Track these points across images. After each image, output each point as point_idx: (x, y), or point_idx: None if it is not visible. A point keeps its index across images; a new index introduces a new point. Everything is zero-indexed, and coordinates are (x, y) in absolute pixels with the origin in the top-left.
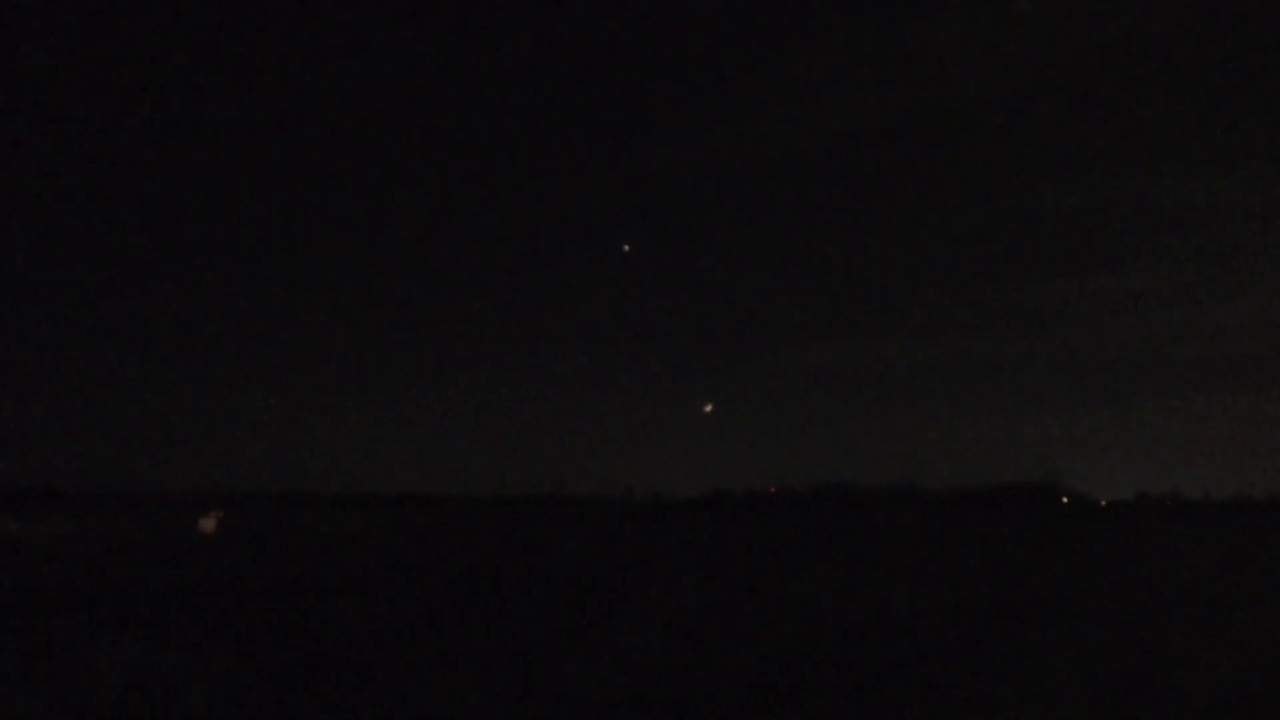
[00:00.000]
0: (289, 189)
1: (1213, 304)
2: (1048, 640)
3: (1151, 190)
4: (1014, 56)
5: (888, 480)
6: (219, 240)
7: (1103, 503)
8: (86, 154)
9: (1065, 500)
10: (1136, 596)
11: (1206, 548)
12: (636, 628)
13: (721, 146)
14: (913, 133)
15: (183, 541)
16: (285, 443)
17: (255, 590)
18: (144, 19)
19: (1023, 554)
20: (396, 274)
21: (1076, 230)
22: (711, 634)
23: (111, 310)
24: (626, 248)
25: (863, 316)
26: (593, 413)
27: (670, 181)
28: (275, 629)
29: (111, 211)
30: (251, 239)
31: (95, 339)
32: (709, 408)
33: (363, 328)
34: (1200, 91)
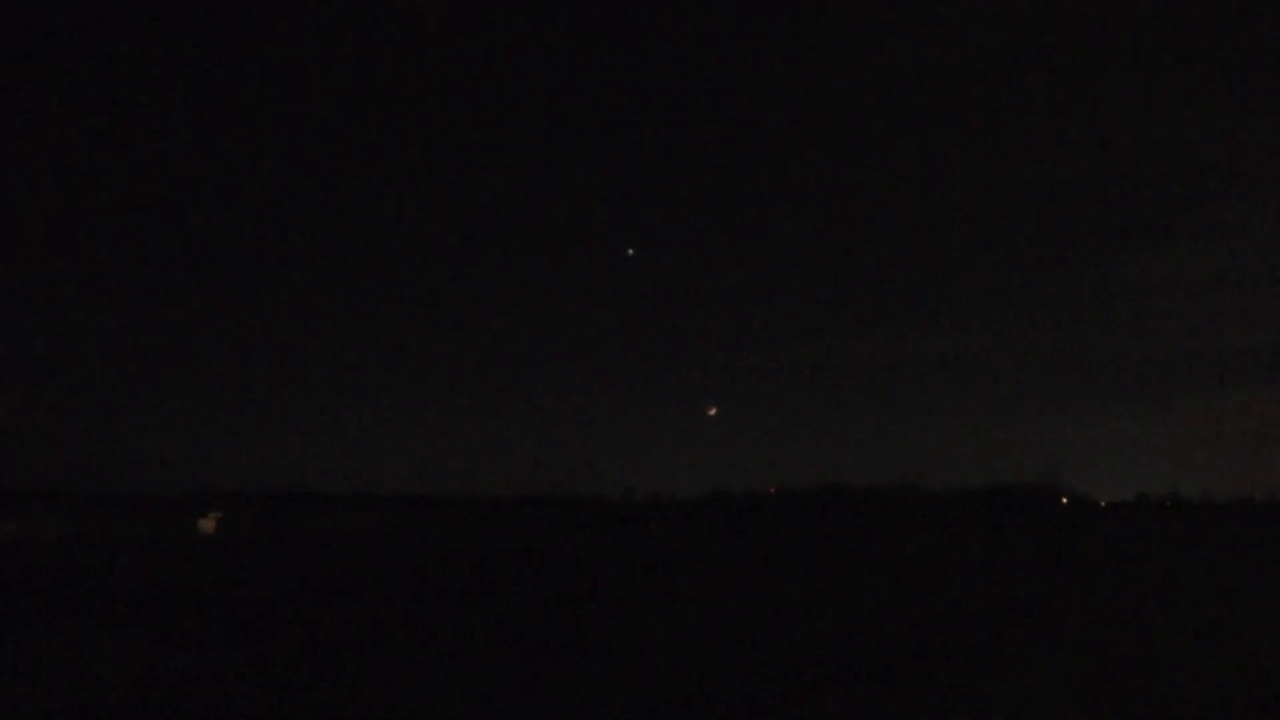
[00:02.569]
0: (290, 189)
1: (1215, 294)
2: (1047, 641)
3: (1156, 179)
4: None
5: (887, 481)
6: (220, 240)
7: (1102, 503)
8: (88, 154)
9: (1065, 501)
10: (1136, 596)
11: (1206, 548)
12: (636, 628)
13: (715, 139)
14: (904, 117)
15: (183, 541)
16: (285, 443)
17: (255, 590)
18: (143, 17)
19: (1022, 554)
20: (397, 273)
21: (1073, 218)
22: (711, 634)
23: (112, 310)
24: (631, 252)
25: (861, 317)
26: (593, 413)
27: (668, 183)
28: (275, 629)
29: (111, 211)
30: (252, 239)
31: (95, 339)
32: (713, 411)
33: (363, 328)
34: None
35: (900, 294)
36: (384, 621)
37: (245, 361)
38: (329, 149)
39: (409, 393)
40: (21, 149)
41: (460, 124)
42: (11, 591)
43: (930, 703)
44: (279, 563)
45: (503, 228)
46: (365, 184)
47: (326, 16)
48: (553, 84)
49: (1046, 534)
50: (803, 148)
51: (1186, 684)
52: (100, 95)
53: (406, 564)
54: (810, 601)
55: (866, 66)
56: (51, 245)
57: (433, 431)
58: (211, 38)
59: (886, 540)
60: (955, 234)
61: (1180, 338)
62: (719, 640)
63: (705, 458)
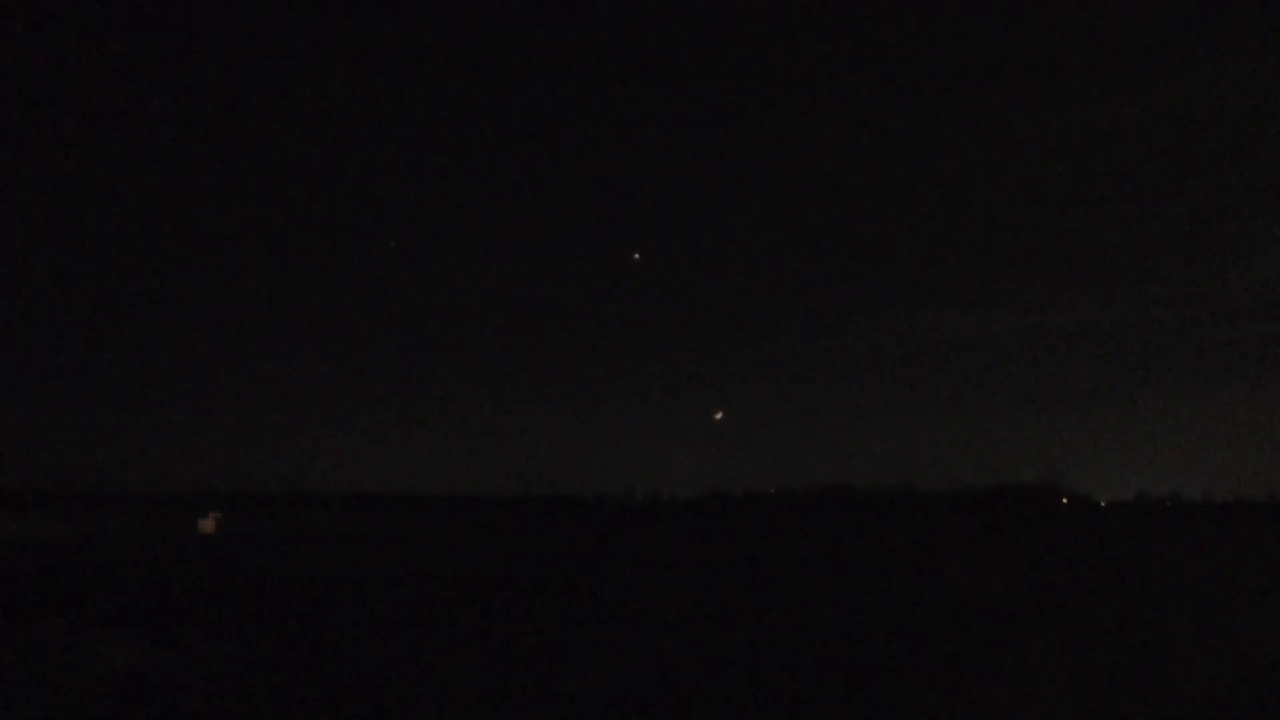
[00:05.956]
0: (288, 190)
1: (1213, 281)
2: (1047, 641)
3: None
4: None
5: (887, 481)
6: (220, 241)
7: (1102, 503)
8: (88, 154)
9: (1065, 501)
10: (1136, 596)
11: (1206, 548)
12: (636, 628)
13: (711, 136)
14: (900, 104)
15: (183, 541)
16: (285, 443)
17: (254, 590)
18: (143, 18)
19: (1022, 554)
20: (398, 274)
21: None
22: (711, 635)
23: (111, 310)
24: (637, 257)
25: (861, 312)
26: (593, 413)
27: (669, 182)
28: (274, 629)
29: (111, 211)
30: (252, 240)
31: (95, 339)
32: (719, 415)
33: (364, 328)
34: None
35: (900, 288)
36: (383, 621)
37: (245, 361)
38: (329, 149)
39: (409, 393)
40: (21, 149)
41: (465, 126)
42: (11, 591)
43: (930, 703)
44: (279, 563)
45: (505, 230)
46: (368, 185)
47: (325, 18)
48: (559, 86)
49: (1046, 534)
50: (797, 143)
51: (1187, 684)
52: (101, 93)
53: (405, 564)
54: (810, 602)
55: (868, 51)
56: (52, 245)
57: (433, 431)
58: (210, 41)
59: (886, 541)
60: (955, 228)
61: (1181, 333)
62: (718, 640)
63: (705, 458)
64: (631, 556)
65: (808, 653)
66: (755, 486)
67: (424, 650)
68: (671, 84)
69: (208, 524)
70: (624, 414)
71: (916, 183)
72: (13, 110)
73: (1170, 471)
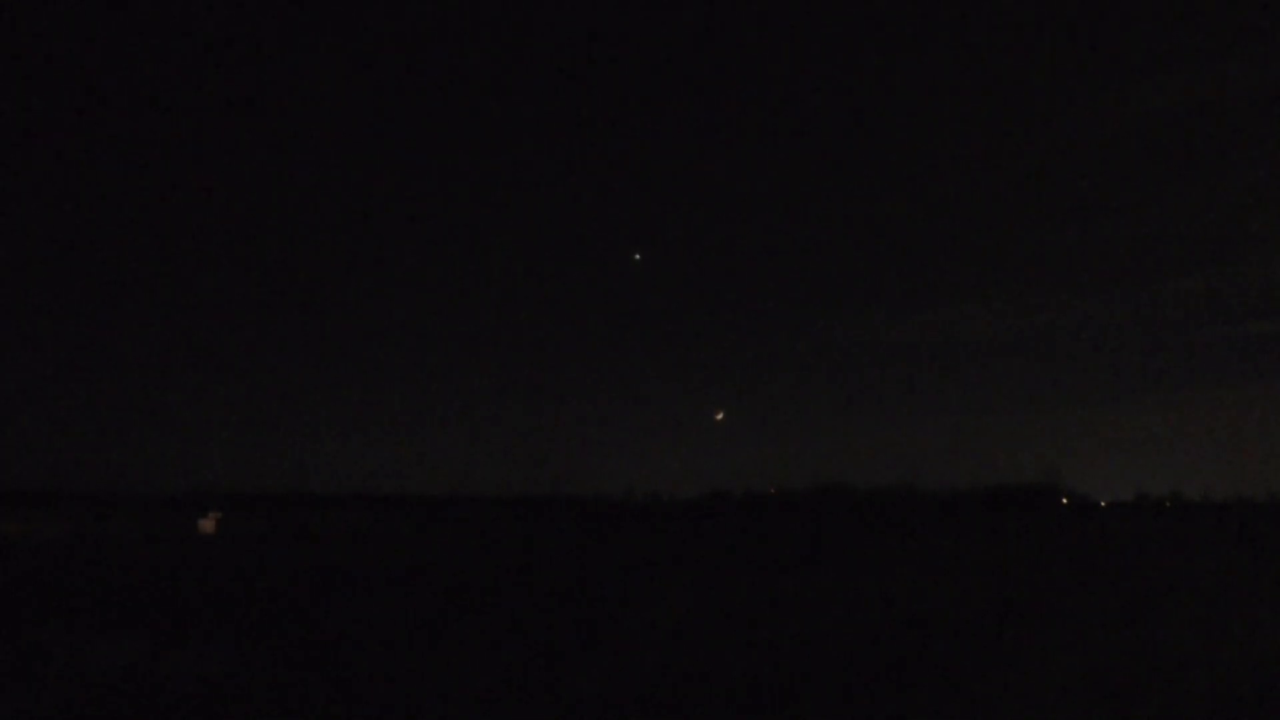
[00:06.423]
0: (290, 190)
1: (1213, 281)
2: (1048, 640)
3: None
4: None
5: (887, 481)
6: (220, 241)
7: (1102, 503)
8: (87, 154)
9: (1065, 501)
10: (1136, 596)
11: (1206, 548)
12: (635, 628)
13: (712, 142)
14: (897, 103)
15: (183, 541)
16: (285, 443)
17: (254, 590)
18: (143, 19)
19: (1023, 554)
20: (399, 274)
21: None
22: (710, 635)
23: (112, 310)
24: (637, 257)
25: (862, 317)
26: (593, 413)
27: (669, 181)
28: (274, 629)
29: (112, 211)
30: (253, 240)
31: (95, 339)
32: (720, 416)
33: (364, 328)
34: None
35: (901, 288)
36: (384, 621)
37: (245, 361)
38: (331, 149)
39: (409, 393)
40: (22, 149)
41: (466, 127)
42: (12, 591)
43: (930, 703)
44: (279, 563)
45: (505, 230)
46: (369, 185)
47: (327, 18)
48: (560, 87)
49: (1046, 534)
50: (799, 142)
51: (1186, 683)
52: (99, 95)
53: (406, 564)
54: (810, 601)
55: (870, 50)
56: (52, 246)
57: (433, 432)
58: (207, 42)
59: (886, 540)
60: (956, 228)
61: (1181, 333)
62: (718, 640)
63: (705, 458)
64: (631, 557)
65: (808, 653)
66: (755, 486)
67: (424, 651)
68: (672, 84)
69: (208, 524)
70: (624, 414)
71: (917, 183)
72: (14, 110)
73: (1170, 471)
